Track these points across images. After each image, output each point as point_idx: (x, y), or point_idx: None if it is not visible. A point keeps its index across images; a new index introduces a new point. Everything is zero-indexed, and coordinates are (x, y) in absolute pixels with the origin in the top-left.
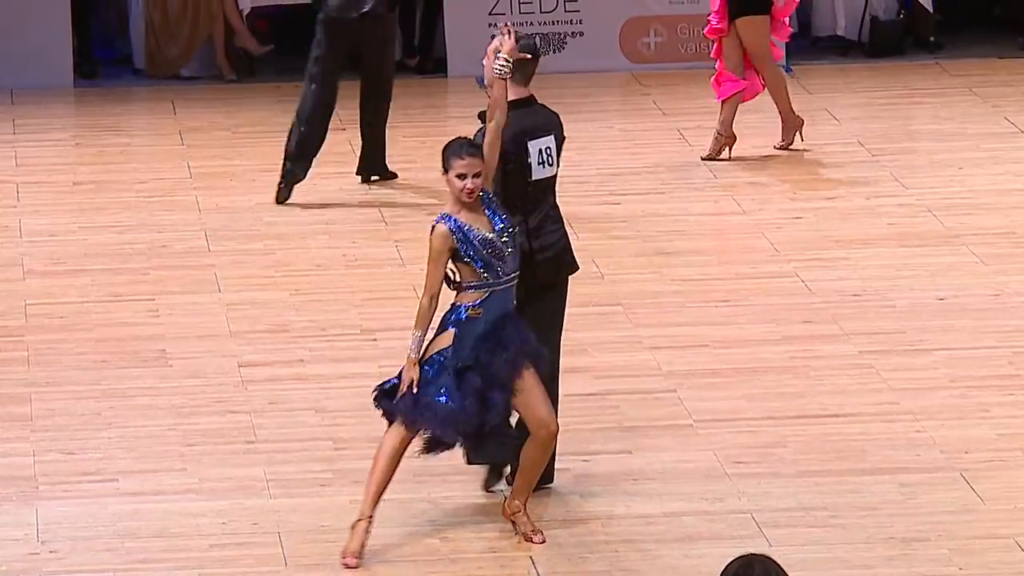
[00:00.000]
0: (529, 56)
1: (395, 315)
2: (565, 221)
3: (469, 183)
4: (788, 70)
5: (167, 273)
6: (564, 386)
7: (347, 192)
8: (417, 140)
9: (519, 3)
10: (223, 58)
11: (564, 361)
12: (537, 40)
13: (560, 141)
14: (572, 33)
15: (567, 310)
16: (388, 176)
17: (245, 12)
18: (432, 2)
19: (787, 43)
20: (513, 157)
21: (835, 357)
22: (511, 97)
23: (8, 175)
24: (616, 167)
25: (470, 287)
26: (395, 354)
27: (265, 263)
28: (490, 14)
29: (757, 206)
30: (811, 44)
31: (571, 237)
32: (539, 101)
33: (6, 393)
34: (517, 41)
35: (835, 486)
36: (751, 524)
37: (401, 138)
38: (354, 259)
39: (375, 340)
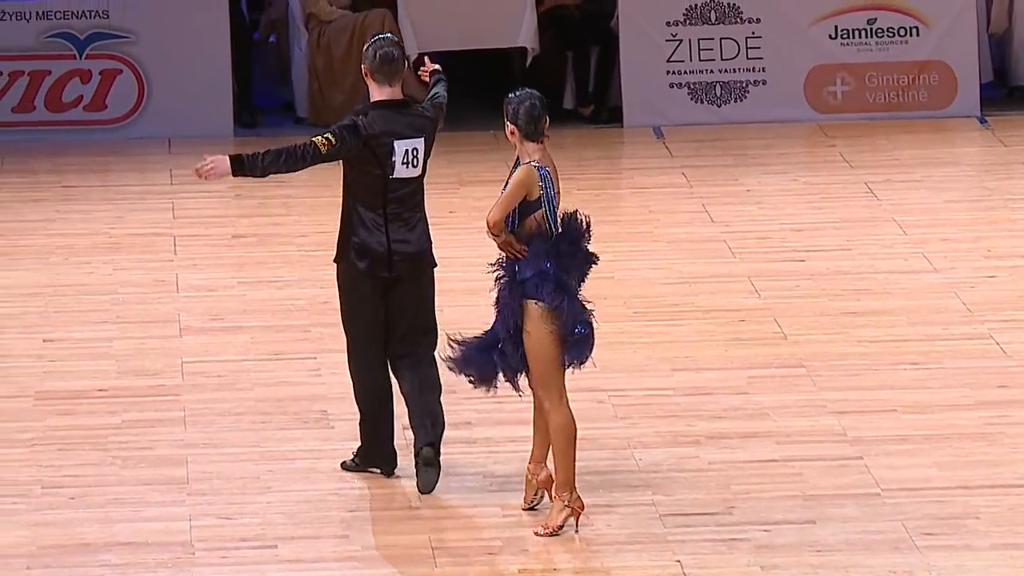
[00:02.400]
0: (394, 58)
1: (566, 376)
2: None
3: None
4: (983, 121)
5: (329, 331)
6: (744, 451)
7: None
8: (591, 192)
9: (699, 51)
10: None
11: (745, 424)
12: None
13: (429, 144)
14: (755, 82)
15: None
16: None
17: (412, 58)
18: (607, 49)
19: (981, 93)
20: (379, 153)
21: None
22: (382, 97)
23: (165, 228)
24: (800, 222)
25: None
26: None
27: None
28: (668, 61)
29: (949, 264)
30: (1007, 94)
31: (753, 295)
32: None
33: (162, 455)
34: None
35: None
36: None
37: (575, 190)
38: None
39: None
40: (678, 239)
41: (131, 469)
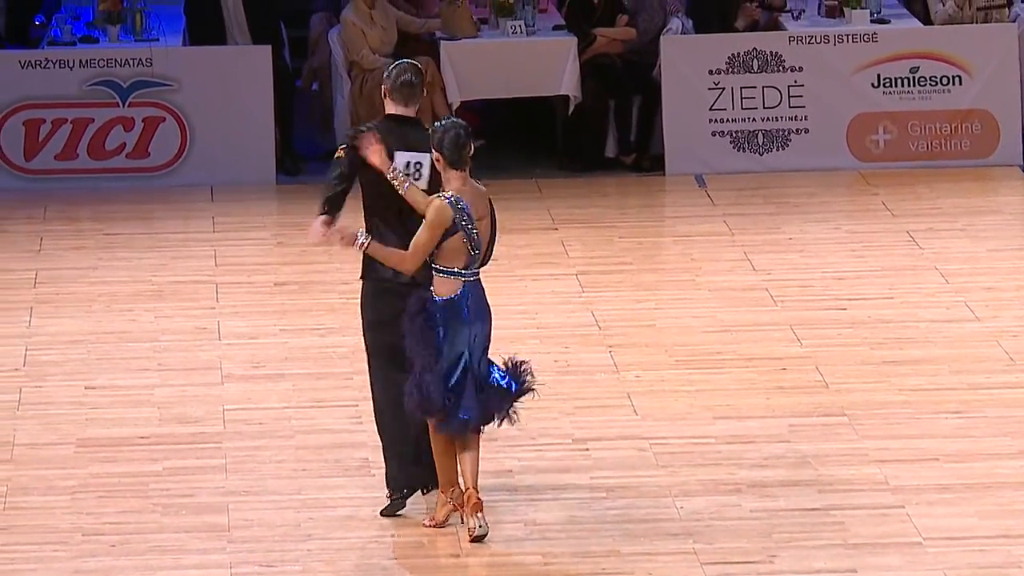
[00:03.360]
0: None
1: (608, 424)
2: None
3: None
4: None
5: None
6: (786, 499)
7: (559, 295)
8: (633, 241)
9: (741, 98)
10: None
11: (786, 473)
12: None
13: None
14: (797, 130)
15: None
16: None
17: (455, 105)
18: (650, 98)
19: None
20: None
21: None
22: (396, 112)
23: (207, 275)
24: (842, 271)
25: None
26: (607, 464)
27: None
28: (710, 109)
29: (991, 313)
30: None
31: (795, 343)
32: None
33: (203, 502)
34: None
35: None
36: None
37: (617, 238)
38: (566, 364)
39: (587, 450)
40: (720, 287)
41: (172, 517)
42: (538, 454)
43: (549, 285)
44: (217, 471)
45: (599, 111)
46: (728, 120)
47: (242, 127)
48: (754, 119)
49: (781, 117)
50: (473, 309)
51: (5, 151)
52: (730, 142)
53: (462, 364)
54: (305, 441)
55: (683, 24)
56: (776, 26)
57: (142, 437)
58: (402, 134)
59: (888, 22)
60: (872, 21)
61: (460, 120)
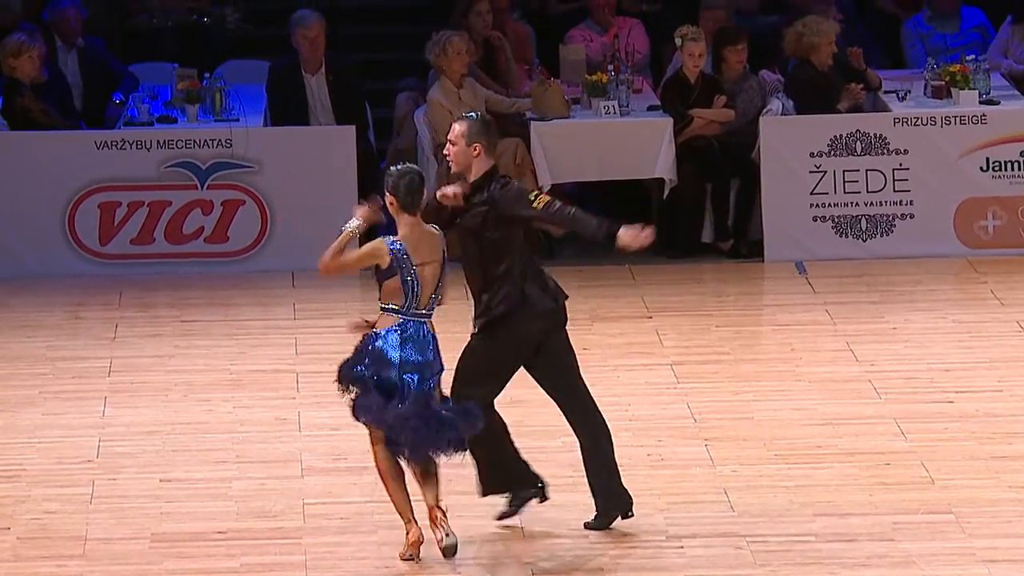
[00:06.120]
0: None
1: (703, 520)
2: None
3: None
4: None
5: (456, 471)
6: None
7: (653, 385)
8: (731, 329)
9: (843, 183)
10: None
11: (890, 573)
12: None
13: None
14: (902, 215)
15: None
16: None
17: (545, 188)
18: (748, 181)
19: None
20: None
21: None
22: (485, 164)
23: (287, 364)
24: (949, 362)
25: None
26: (701, 563)
27: (563, 461)
28: (811, 194)
29: None
30: None
31: (899, 437)
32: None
33: None
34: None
35: None
36: None
37: (714, 327)
38: (660, 458)
39: (681, 548)
40: (821, 378)
41: None
42: (630, 551)
43: (643, 375)
44: (297, 568)
45: (695, 195)
46: (830, 204)
47: (324, 210)
48: (857, 203)
49: (885, 202)
50: (411, 340)
51: (80, 235)
52: (832, 227)
53: (405, 390)
54: (388, 537)
55: (783, 105)
56: (880, 107)
57: (219, 532)
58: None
59: (997, 103)
60: (981, 102)
61: (415, 166)
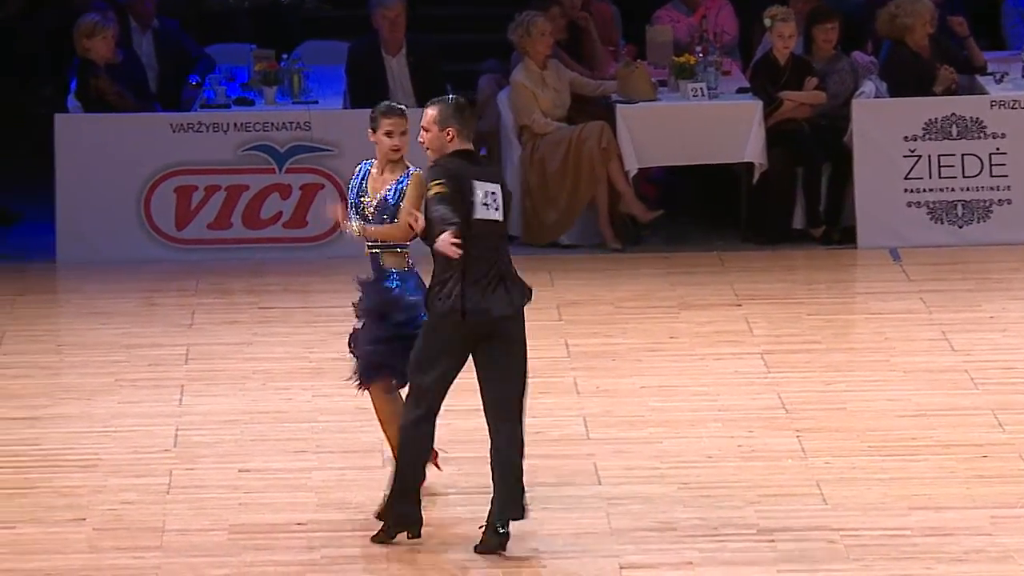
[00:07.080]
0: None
1: (795, 513)
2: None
3: (396, 140)
4: None
5: (540, 462)
6: None
7: (742, 375)
8: (823, 318)
9: (939, 167)
10: (606, 225)
11: (988, 568)
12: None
13: (507, 196)
14: (999, 201)
15: None
16: None
17: (632, 174)
18: (840, 166)
19: None
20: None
21: None
22: (458, 148)
23: None
24: None
25: None
26: (794, 557)
27: (650, 453)
28: (905, 179)
29: None
30: None
31: (997, 429)
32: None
33: None
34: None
35: None
36: None
37: (806, 315)
38: (751, 450)
39: (772, 541)
40: (916, 368)
41: None
42: (720, 545)
43: (732, 365)
44: (378, 560)
45: (786, 180)
46: (925, 190)
47: None
48: (953, 189)
49: (982, 187)
50: (416, 275)
51: (156, 220)
52: (927, 213)
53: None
54: (471, 530)
55: (876, 87)
56: (977, 89)
57: (299, 524)
58: (477, 166)
59: None
60: None
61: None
